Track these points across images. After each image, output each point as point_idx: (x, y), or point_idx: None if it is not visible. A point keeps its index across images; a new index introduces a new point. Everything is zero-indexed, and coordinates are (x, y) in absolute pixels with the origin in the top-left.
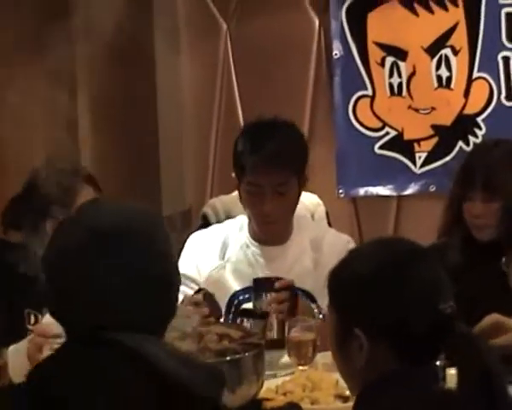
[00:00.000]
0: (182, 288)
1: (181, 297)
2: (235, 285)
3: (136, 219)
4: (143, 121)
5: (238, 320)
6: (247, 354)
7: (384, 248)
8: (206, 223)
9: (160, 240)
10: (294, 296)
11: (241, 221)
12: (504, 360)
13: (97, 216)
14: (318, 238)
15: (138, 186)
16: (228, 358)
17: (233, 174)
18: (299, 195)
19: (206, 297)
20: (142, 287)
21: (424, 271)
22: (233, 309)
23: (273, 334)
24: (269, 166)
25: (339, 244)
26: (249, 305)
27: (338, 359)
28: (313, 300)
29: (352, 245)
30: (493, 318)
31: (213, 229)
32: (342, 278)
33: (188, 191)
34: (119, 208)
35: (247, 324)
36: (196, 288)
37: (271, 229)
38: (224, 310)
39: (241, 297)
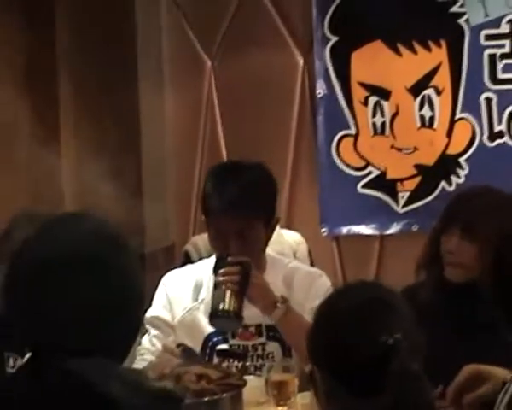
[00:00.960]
0: (155, 332)
1: (155, 341)
2: (208, 327)
3: (88, 245)
4: (127, 157)
5: (215, 361)
6: (225, 394)
7: (335, 297)
8: (188, 260)
9: (115, 265)
10: (246, 274)
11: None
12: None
13: (46, 243)
14: (290, 276)
15: (121, 222)
16: (206, 399)
17: (203, 217)
18: (269, 236)
19: (184, 353)
20: (94, 315)
21: (369, 308)
22: (208, 351)
23: (225, 305)
24: (230, 212)
25: (308, 279)
26: (224, 346)
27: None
28: None
29: (322, 279)
30: (471, 368)
31: (187, 269)
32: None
33: (171, 228)
34: (71, 233)
35: (225, 364)
36: (170, 331)
37: None
38: (198, 352)
39: (215, 339)
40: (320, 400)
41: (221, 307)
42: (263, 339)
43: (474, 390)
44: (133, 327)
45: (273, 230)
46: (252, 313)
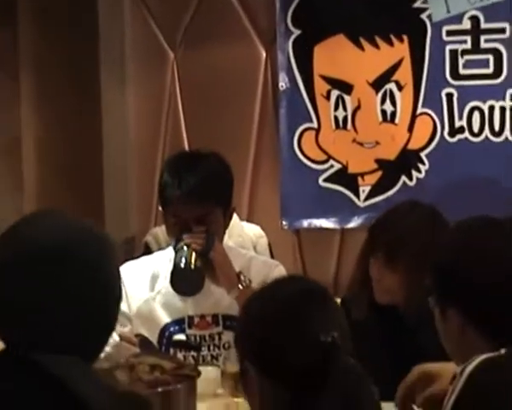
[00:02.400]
0: None
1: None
2: (165, 318)
3: (65, 240)
4: (88, 149)
5: (171, 351)
6: (179, 385)
7: (275, 288)
8: (148, 251)
9: (92, 262)
10: (211, 240)
11: (171, 252)
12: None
13: (33, 234)
14: (247, 266)
15: (81, 214)
16: (159, 389)
17: (160, 207)
18: (226, 225)
19: (142, 343)
20: (66, 310)
21: (304, 305)
22: (164, 341)
23: (188, 261)
24: (190, 200)
25: (265, 269)
26: (180, 336)
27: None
28: None
29: (279, 269)
30: (420, 368)
31: (143, 260)
32: (241, 314)
33: (132, 220)
34: (57, 226)
35: (179, 355)
36: (127, 322)
37: None
38: (155, 343)
39: (171, 329)
40: (253, 400)
41: (183, 262)
42: (219, 328)
43: (426, 388)
44: (107, 326)
45: (230, 218)
46: (208, 303)
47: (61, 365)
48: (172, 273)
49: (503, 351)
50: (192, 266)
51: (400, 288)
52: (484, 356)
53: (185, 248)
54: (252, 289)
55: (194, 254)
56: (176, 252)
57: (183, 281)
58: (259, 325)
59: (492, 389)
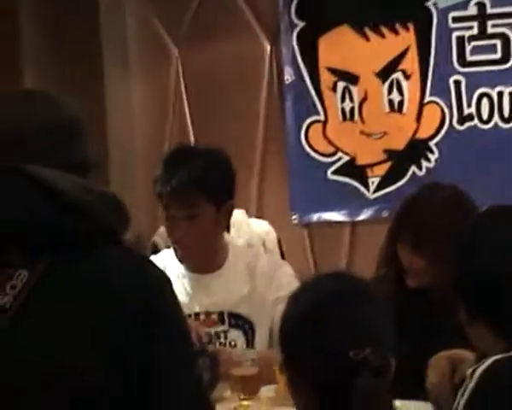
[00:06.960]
0: None
1: None
2: None
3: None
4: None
5: None
6: None
7: (307, 293)
8: (156, 251)
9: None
10: (214, 374)
11: None
12: None
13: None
14: (253, 263)
15: None
16: None
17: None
18: (222, 221)
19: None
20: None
21: (341, 314)
22: None
23: None
24: (176, 194)
25: (272, 268)
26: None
27: None
28: (250, 325)
29: (285, 267)
30: (442, 357)
31: (153, 259)
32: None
33: (139, 219)
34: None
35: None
36: None
37: (188, 256)
38: None
39: None
40: (290, 391)
41: None
42: (225, 327)
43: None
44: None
45: (228, 215)
46: (214, 301)
47: (43, 170)
48: None
49: None
50: None
51: (428, 271)
52: (494, 358)
53: None
54: (257, 366)
55: None
56: None
57: None
58: (293, 324)
59: (502, 392)
